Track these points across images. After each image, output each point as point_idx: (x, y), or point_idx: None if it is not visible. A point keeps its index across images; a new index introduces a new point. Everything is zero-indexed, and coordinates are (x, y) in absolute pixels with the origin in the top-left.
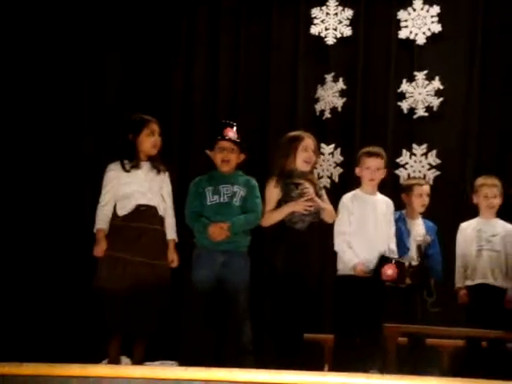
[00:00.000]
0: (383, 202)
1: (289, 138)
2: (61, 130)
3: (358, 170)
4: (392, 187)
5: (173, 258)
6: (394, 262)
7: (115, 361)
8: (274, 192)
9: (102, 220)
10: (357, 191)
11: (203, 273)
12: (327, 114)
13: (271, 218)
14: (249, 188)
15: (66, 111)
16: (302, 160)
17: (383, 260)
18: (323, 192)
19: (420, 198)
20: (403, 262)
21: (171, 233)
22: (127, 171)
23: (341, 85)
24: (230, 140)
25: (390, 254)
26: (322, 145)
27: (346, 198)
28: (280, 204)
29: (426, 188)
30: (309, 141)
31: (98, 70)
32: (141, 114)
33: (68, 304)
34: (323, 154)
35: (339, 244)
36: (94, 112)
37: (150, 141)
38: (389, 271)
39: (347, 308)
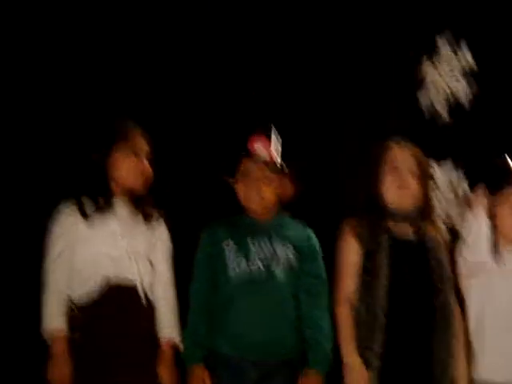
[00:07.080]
0: None
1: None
2: None
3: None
4: None
5: (164, 374)
6: None
7: None
8: (351, 251)
9: (57, 311)
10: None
11: None
12: (443, 114)
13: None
14: (305, 248)
15: None
16: (393, 188)
17: None
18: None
19: None
20: None
21: (166, 328)
22: (89, 218)
23: (468, 57)
24: (261, 159)
25: None
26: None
27: None
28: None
29: None
30: (399, 152)
31: None
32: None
33: None
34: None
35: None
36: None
37: (130, 164)
38: None
39: None
